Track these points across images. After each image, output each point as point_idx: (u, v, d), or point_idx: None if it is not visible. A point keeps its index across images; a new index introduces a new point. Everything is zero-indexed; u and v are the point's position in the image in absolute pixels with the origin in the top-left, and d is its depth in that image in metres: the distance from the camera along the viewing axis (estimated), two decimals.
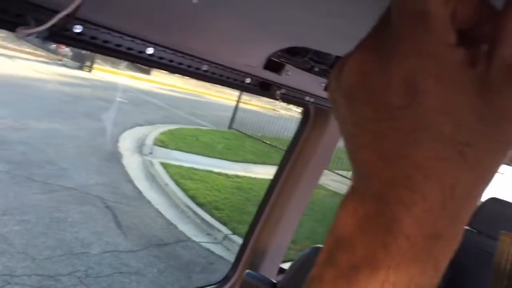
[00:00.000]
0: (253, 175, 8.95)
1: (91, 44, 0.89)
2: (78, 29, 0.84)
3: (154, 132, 9.70)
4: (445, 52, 0.24)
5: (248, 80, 1.27)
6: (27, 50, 13.84)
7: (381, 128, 0.25)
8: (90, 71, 14.01)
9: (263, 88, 1.32)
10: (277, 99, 1.36)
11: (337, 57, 1.41)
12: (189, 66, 1.09)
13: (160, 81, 16.24)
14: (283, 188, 1.77)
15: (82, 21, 0.84)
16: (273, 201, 1.77)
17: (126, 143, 8.45)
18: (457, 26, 0.25)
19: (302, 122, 1.75)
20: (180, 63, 1.07)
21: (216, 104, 16.87)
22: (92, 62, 14.16)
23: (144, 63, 1.02)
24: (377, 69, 0.26)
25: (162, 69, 1.09)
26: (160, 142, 9.09)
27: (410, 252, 0.25)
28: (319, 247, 1.60)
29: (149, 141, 8.94)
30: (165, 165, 7.80)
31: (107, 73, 14.32)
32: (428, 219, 0.25)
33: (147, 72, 16.24)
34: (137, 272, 4.59)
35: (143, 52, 0.98)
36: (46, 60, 13.76)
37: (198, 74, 1.14)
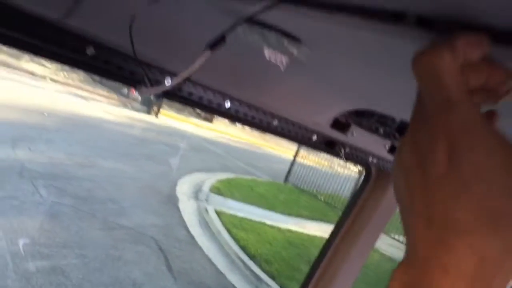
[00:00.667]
0: (305, 231, 8.84)
1: (178, 96, 0.98)
2: (169, 82, 0.93)
3: (211, 179, 9.88)
4: (472, 124, 0.29)
5: (314, 137, 1.32)
6: (101, 93, 14.74)
7: (429, 193, 0.29)
8: (156, 115, 14.65)
9: (329, 146, 1.36)
10: (341, 158, 1.39)
11: (402, 121, 1.44)
12: (261, 121, 1.15)
13: (221, 130, 16.67)
14: (338, 248, 1.76)
15: (170, 73, 0.94)
16: (327, 261, 1.77)
17: (184, 188, 8.65)
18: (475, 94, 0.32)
19: (363, 182, 1.77)
20: (253, 117, 1.14)
21: (273, 156, 17.01)
22: (159, 107, 14.82)
23: (222, 115, 1.10)
24: (423, 146, 0.30)
25: (237, 122, 1.16)
26: (216, 190, 9.23)
27: None
28: None
29: (206, 187, 9.11)
30: (219, 213, 7.88)
31: (172, 118, 14.91)
32: (461, 284, 0.27)
33: (210, 120, 16.74)
34: None
35: (222, 105, 1.06)
36: (117, 103, 14.56)
37: (269, 129, 1.20)
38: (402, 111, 1.21)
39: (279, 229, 8.37)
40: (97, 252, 5.04)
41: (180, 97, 0.98)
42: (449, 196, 0.28)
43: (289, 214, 9.69)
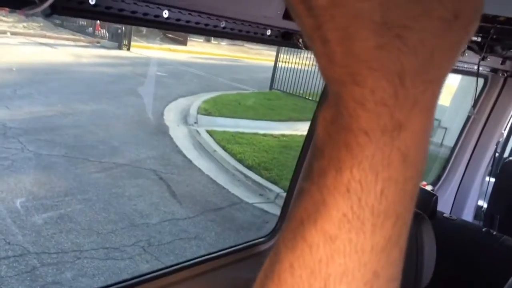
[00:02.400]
0: (299, 133, 8.95)
1: (107, 14, 0.92)
2: (92, 0, 0.87)
3: (197, 101, 9.83)
4: None
5: (268, 32, 1.27)
6: (66, 36, 14.20)
7: (323, 33, 0.26)
8: (128, 49, 14.25)
9: (285, 38, 1.32)
10: (301, 48, 1.35)
11: None
12: (207, 25, 1.10)
13: (197, 51, 16.30)
14: None
15: None
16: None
17: (171, 115, 8.63)
18: None
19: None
20: (198, 23, 1.08)
21: (255, 67, 16.80)
22: (130, 40, 14.37)
23: (161, 27, 1.04)
24: None
25: (181, 31, 1.11)
26: (204, 111, 9.22)
27: (371, 148, 0.25)
28: None
29: (193, 111, 9.09)
30: (211, 133, 7.93)
31: (145, 49, 14.51)
32: (383, 111, 0.25)
33: (183, 43, 16.32)
34: (196, 237, 4.77)
35: (160, 16, 1.00)
36: (85, 44, 14.09)
37: (218, 32, 1.15)
38: None
39: (272, 136, 8.47)
40: (99, 194, 5.13)
41: (110, 15, 0.92)
42: (341, 28, 0.25)
43: (280, 120, 9.77)
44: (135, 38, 14.90)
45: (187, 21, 1.06)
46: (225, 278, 1.73)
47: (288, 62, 13.04)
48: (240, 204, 5.82)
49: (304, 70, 12.53)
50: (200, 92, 10.76)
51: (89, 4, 0.87)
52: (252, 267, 1.76)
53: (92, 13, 0.89)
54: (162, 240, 4.55)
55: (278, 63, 13.28)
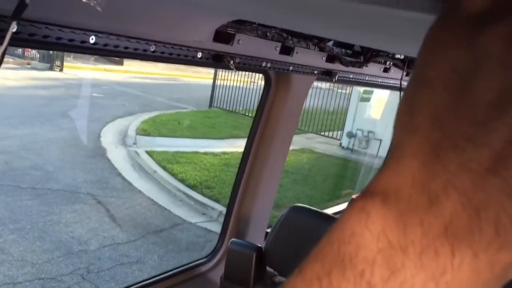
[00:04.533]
0: (240, 150, 8.98)
1: (31, 41, 0.90)
2: (14, 28, 0.85)
3: (135, 122, 9.65)
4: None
5: (199, 55, 1.29)
6: None
7: None
8: (61, 70, 13.80)
9: (216, 60, 1.34)
10: (232, 69, 1.38)
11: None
12: (136, 49, 1.10)
13: (134, 70, 16.06)
14: (256, 155, 1.81)
15: (17, 19, 0.85)
16: (249, 169, 1.81)
17: (109, 137, 8.41)
18: None
19: (265, 88, 1.78)
20: (126, 47, 1.08)
21: (194, 85, 16.77)
22: (62, 61, 13.93)
23: (89, 52, 1.03)
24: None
25: (109, 55, 1.10)
26: (143, 131, 9.06)
27: None
28: (298, 206, 1.65)
29: (131, 131, 8.91)
30: (150, 153, 7.80)
31: (79, 70, 14.11)
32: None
33: (120, 63, 16.03)
34: (138, 261, 4.65)
35: (86, 41, 0.99)
36: (14, 66, 13.50)
37: (147, 56, 1.16)
38: (282, 17, 1.19)
39: (213, 154, 8.46)
40: (33, 222, 4.89)
41: (34, 41, 0.90)
42: None
43: (221, 137, 9.78)
44: (68, 58, 14.47)
45: (115, 46, 1.06)
46: None
47: (227, 80, 13.13)
48: (183, 225, 5.74)
49: (242, 87, 12.66)
50: (139, 112, 10.58)
51: (11, 32, 0.85)
52: None
53: (15, 41, 0.87)
54: (102, 267, 4.40)
55: (216, 80, 13.33)
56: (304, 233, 1.44)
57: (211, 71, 14.53)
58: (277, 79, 1.73)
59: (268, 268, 1.61)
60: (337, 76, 1.81)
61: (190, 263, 1.79)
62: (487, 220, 0.21)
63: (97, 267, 4.38)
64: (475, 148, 0.22)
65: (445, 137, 0.23)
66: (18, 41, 0.87)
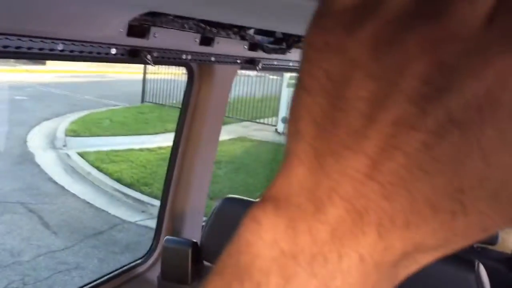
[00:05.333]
0: None
1: None
2: None
3: (64, 123, 9.26)
4: None
5: (114, 51, 1.24)
6: None
7: None
8: None
9: (133, 55, 1.30)
10: (150, 64, 1.34)
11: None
12: (41, 49, 1.04)
13: (58, 70, 15.36)
14: (185, 149, 1.78)
15: None
16: (179, 164, 1.78)
17: (36, 141, 8.02)
18: None
19: (188, 81, 1.75)
20: (30, 48, 1.02)
21: (123, 81, 16.32)
22: None
23: None
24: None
25: (11, 58, 1.03)
26: (72, 132, 8.72)
27: None
28: (231, 197, 1.64)
29: (60, 133, 8.54)
30: (82, 154, 7.52)
31: None
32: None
33: (42, 63, 15.27)
34: (77, 267, 4.49)
35: None
36: None
37: (55, 55, 1.09)
38: (197, 7, 1.17)
39: (149, 150, 8.29)
40: None
41: None
42: None
43: (155, 132, 9.59)
44: None
45: (18, 47, 0.99)
46: None
47: (157, 73, 12.88)
48: (122, 225, 5.60)
49: (173, 80, 12.47)
50: (67, 113, 10.15)
51: None
52: None
53: None
54: (38, 277, 4.21)
55: (147, 75, 13.04)
56: (239, 224, 1.44)
57: (140, 65, 14.16)
58: (200, 71, 1.71)
59: (205, 263, 1.60)
60: (260, 64, 1.81)
61: (126, 265, 1.74)
62: (370, 223, 0.22)
63: (34, 278, 4.19)
64: (353, 155, 0.22)
65: (325, 144, 0.22)
66: None
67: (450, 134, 0.21)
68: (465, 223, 0.22)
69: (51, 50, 1.06)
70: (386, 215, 0.22)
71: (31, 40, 1.01)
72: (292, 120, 0.25)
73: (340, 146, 0.22)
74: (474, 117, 0.20)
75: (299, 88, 0.24)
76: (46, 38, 1.04)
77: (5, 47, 0.96)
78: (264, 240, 0.23)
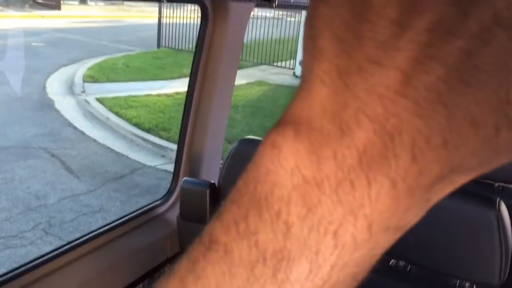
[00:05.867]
0: None
1: None
2: None
3: (81, 69, 9.27)
4: None
5: None
6: None
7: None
8: None
9: None
10: (162, 1, 1.30)
11: None
12: None
13: (73, 15, 15.22)
14: (201, 91, 1.76)
15: None
16: (195, 107, 1.77)
17: (54, 87, 8.08)
18: None
19: (202, 21, 1.70)
20: None
21: (139, 25, 16.11)
22: None
23: None
24: None
25: None
26: (91, 78, 8.74)
27: None
28: (248, 139, 1.64)
29: (78, 79, 8.57)
30: (101, 100, 7.58)
31: (12, 18, 13.24)
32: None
33: (57, 7, 15.09)
34: (100, 209, 4.63)
35: None
36: None
37: None
38: None
39: (167, 95, 8.30)
40: None
41: None
42: None
43: (172, 77, 9.56)
44: None
45: None
46: (126, 247, 1.70)
47: (173, 17, 12.66)
48: (143, 169, 5.70)
49: (190, 23, 12.26)
50: (84, 58, 10.13)
51: None
52: (151, 232, 1.76)
53: None
54: (63, 219, 4.36)
55: (162, 19, 12.83)
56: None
57: (155, 9, 13.94)
58: (214, 10, 1.66)
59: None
60: (276, 1, 1.75)
61: (146, 206, 1.78)
62: (402, 145, 0.20)
63: (59, 220, 4.34)
64: (382, 70, 0.20)
65: (350, 61, 0.20)
66: None
67: (495, 39, 0.18)
68: (509, 138, 0.20)
69: None
70: (421, 136, 0.20)
71: None
72: (309, 37, 0.22)
73: (367, 62, 0.20)
74: None
75: (316, 0, 0.22)
76: None
77: None
78: (284, 167, 0.22)
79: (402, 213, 0.21)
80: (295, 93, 0.23)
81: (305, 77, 0.23)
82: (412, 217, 0.22)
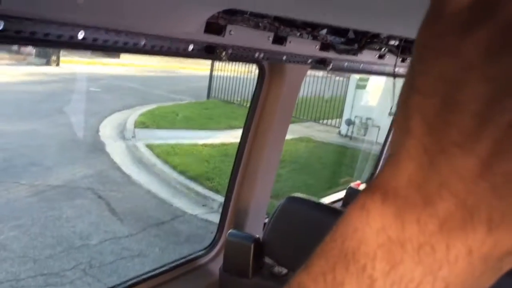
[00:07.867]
0: (239, 140, 8.98)
1: (18, 38, 0.89)
2: (0, 25, 0.84)
3: (133, 115, 9.63)
4: None
5: (191, 47, 1.28)
6: None
7: None
8: (57, 65, 13.75)
9: (208, 52, 1.33)
10: (224, 60, 1.37)
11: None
12: (126, 43, 1.09)
13: (131, 63, 15.99)
14: (252, 146, 1.80)
15: (2, 17, 0.84)
16: (246, 160, 1.81)
17: (107, 131, 8.40)
18: None
19: (259, 79, 1.77)
20: (116, 42, 1.07)
21: (191, 77, 16.70)
22: (58, 56, 13.86)
23: (78, 47, 1.03)
24: None
25: (99, 50, 1.09)
26: (141, 124, 9.05)
27: None
28: (295, 196, 1.65)
29: (130, 125, 8.90)
30: (149, 146, 7.80)
31: (75, 64, 14.06)
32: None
33: (117, 56, 15.95)
34: (139, 254, 4.66)
35: (75, 37, 0.99)
36: (10, 62, 13.45)
37: (138, 50, 1.15)
38: (274, 3, 1.18)
39: (212, 146, 8.45)
40: (34, 218, 4.90)
41: (21, 39, 0.89)
42: None
43: (219, 128, 9.76)
44: (64, 53, 14.40)
45: (105, 41, 1.05)
46: None
47: (224, 70, 13.08)
48: (184, 217, 5.75)
49: (239, 77, 12.62)
50: (136, 105, 10.55)
51: None
52: (193, 282, 1.76)
53: (2, 38, 0.86)
54: (103, 261, 4.41)
55: (214, 71, 13.28)
56: (301, 222, 1.44)
57: (209, 62, 14.47)
58: (270, 69, 1.73)
59: (266, 259, 1.62)
60: (331, 65, 1.80)
61: (189, 255, 1.79)
62: (480, 220, 0.22)
63: (99, 262, 4.40)
64: (464, 155, 0.22)
65: (436, 142, 0.23)
66: (5, 38, 0.86)
67: None
68: None
69: (135, 44, 1.12)
70: (497, 212, 0.22)
71: (117, 35, 1.06)
72: (400, 117, 0.26)
73: (451, 145, 0.23)
74: None
75: (410, 88, 0.25)
76: (131, 32, 1.10)
77: (94, 40, 1.02)
78: (371, 227, 0.24)
79: (477, 278, 0.23)
80: (384, 163, 0.27)
81: (394, 150, 0.26)
82: (485, 283, 0.24)
